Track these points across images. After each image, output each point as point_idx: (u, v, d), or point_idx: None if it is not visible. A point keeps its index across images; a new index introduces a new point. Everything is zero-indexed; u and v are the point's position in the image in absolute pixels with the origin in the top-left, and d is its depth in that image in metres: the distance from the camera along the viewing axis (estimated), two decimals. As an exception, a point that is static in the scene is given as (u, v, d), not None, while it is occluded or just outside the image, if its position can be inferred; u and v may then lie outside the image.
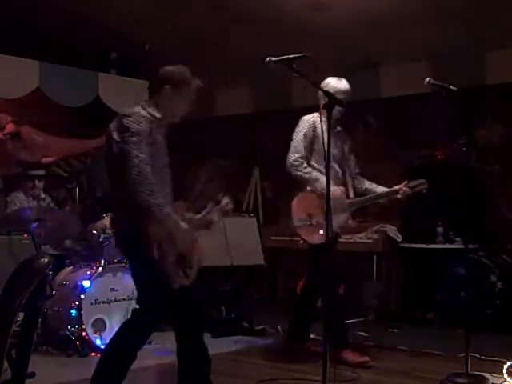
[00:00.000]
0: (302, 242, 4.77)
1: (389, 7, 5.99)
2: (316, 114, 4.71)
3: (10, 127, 6.57)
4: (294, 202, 4.73)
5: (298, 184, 4.73)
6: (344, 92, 4.61)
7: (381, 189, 4.75)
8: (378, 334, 5.71)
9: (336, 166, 4.73)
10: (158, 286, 3.25)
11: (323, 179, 4.46)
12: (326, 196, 3.29)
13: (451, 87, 4.06)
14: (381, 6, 6.01)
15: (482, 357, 4.52)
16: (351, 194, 4.78)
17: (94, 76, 7.09)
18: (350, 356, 4.59)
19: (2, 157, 6.49)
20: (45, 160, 6.53)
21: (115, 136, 3.23)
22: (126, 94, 7.28)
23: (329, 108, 3.38)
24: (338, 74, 6.79)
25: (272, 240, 7.38)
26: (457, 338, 4.46)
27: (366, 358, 4.63)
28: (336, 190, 4.53)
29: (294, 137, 4.74)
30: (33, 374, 3.88)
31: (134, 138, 3.15)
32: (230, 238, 5.80)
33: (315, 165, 4.68)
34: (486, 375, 4.13)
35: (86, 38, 6.80)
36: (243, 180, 8.30)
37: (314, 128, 4.69)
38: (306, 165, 4.65)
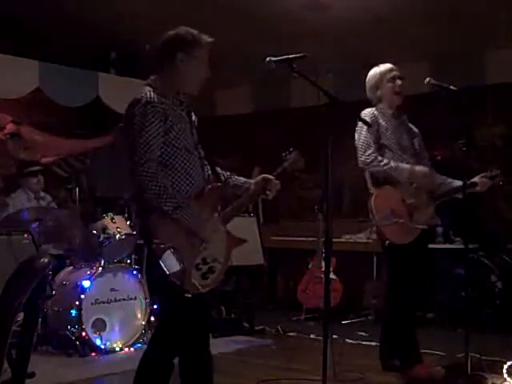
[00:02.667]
0: (386, 242, 4.27)
1: (389, 7, 5.98)
2: (374, 108, 4.44)
3: (10, 127, 6.56)
4: (374, 199, 4.29)
5: (376, 181, 4.36)
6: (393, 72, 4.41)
7: (457, 183, 4.39)
8: (377, 334, 5.71)
9: (408, 157, 4.38)
10: (168, 293, 2.90)
11: (404, 166, 4.26)
12: (326, 200, 3.29)
13: (451, 87, 4.05)
14: (381, 6, 6.01)
15: (482, 357, 4.51)
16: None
17: (94, 76, 7.09)
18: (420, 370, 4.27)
19: (2, 157, 6.49)
20: (44, 160, 6.53)
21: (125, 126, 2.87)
22: (126, 94, 7.22)
23: (328, 108, 3.38)
24: (338, 74, 6.81)
25: (272, 240, 7.38)
26: (457, 337, 4.46)
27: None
28: (421, 170, 4.27)
29: (356, 136, 4.38)
30: (33, 374, 3.87)
31: (144, 137, 2.77)
32: (229, 238, 5.79)
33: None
34: (486, 375, 4.13)
35: (85, 37, 6.80)
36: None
37: (376, 121, 4.35)
38: (380, 158, 4.28)
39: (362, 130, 4.35)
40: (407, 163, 4.34)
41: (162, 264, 2.79)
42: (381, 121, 4.37)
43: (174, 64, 2.96)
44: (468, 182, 4.29)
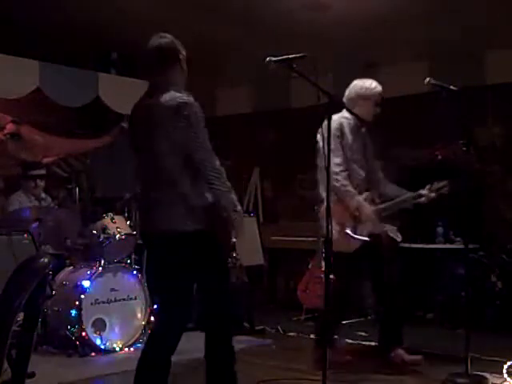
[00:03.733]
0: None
1: (389, 7, 5.98)
2: (341, 114, 4.57)
3: (10, 127, 6.56)
4: (322, 209, 4.43)
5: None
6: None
7: (405, 193, 4.62)
8: (377, 334, 5.71)
9: (358, 169, 4.58)
10: (219, 282, 3.21)
11: (359, 199, 4.48)
12: (326, 199, 3.31)
13: (451, 87, 4.06)
14: (381, 6, 6.01)
15: (482, 357, 4.52)
16: (376, 199, 4.66)
17: (94, 76, 7.09)
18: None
19: (2, 157, 6.49)
20: (45, 160, 6.53)
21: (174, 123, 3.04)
22: (126, 94, 7.25)
23: (328, 109, 3.39)
24: (338, 74, 6.80)
25: (272, 240, 7.38)
26: (457, 337, 4.47)
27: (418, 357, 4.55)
28: (367, 211, 4.47)
29: (318, 137, 4.41)
30: (33, 374, 3.86)
31: (204, 132, 3.09)
32: (229, 238, 5.79)
33: None
34: (486, 375, 4.13)
35: (86, 37, 6.79)
36: (243, 180, 8.30)
37: (340, 129, 4.54)
38: (345, 175, 4.47)
39: (331, 134, 4.39)
40: (359, 175, 4.54)
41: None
42: (345, 130, 4.54)
43: (178, 66, 3.21)
44: (415, 194, 4.53)
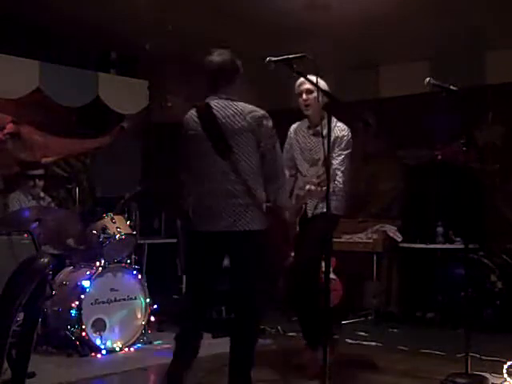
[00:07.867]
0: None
1: (389, 7, 5.98)
2: (298, 123, 4.71)
3: (10, 127, 6.57)
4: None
5: None
6: None
7: None
8: (377, 334, 5.72)
9: (303, 170, 4.60)
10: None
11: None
12: (326, 199, 3.32)
13: (451, 87, 4.06)
14: (381, 6, 6.00)
15: (482, 357, 4.52)
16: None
17: (94, 76, 7.08)
18: None
19: (2, 157, 6.49)
20: (44, 160, 6.53)
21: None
22: (126, 94, 7.27)
23: (328, 108, 3.39)
24: (338, 74, 6.80)
25: (272, 240, 7.37)
26: (457, 337, 4.46)
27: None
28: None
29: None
30: (33, 374, 3.87)
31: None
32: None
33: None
34: (486, 375, 4.13)
35: (86, 37, 6.79)
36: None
37: (289, 138, 4.70)
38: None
39: (286, 144, 4.67)
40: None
41: None
42: (295, 137, 4.66)
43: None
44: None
